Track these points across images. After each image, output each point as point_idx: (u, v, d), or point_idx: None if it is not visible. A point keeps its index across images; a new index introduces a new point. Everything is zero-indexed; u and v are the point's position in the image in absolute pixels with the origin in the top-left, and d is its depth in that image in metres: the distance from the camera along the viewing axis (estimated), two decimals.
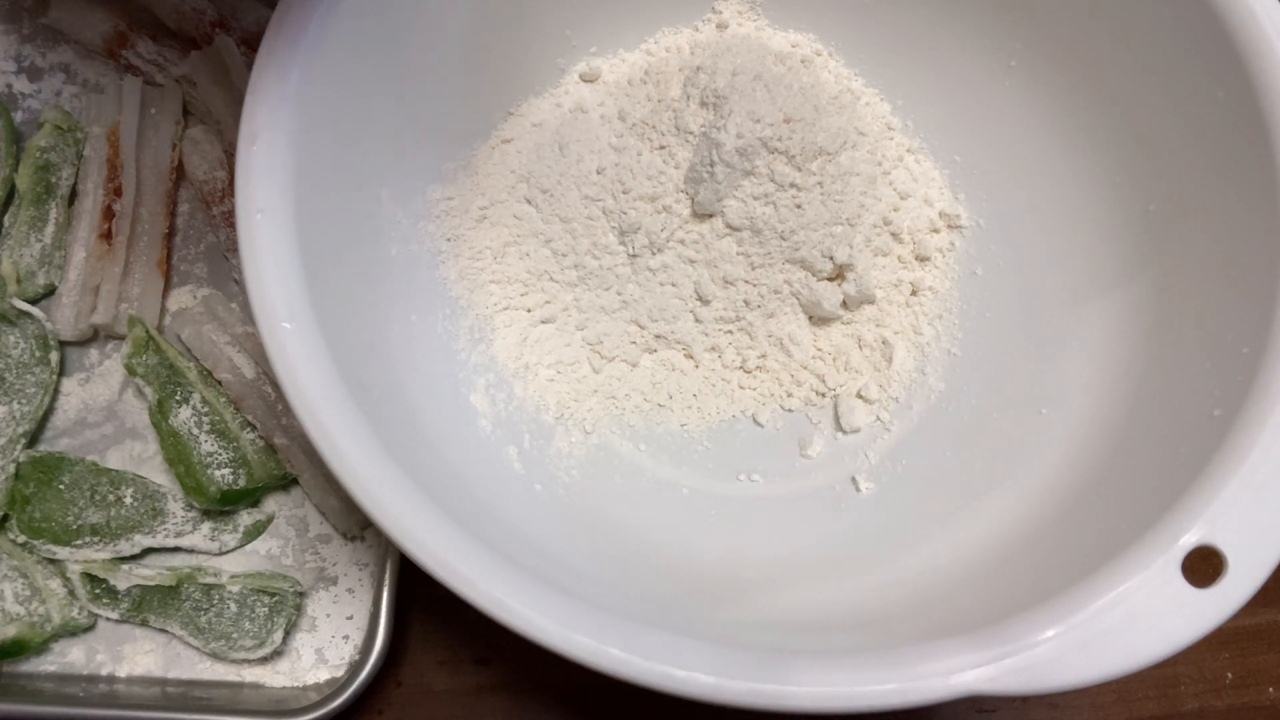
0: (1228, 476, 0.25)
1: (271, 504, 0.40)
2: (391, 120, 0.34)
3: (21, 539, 0.38)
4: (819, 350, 0.38)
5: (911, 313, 0.39)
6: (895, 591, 0.31)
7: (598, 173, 0.37)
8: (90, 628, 0.38)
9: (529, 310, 0.38)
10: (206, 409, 0.39)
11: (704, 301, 0.38)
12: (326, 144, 0.30)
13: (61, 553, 0.38)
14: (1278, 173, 0.29)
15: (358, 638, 0.38)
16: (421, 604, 0.39)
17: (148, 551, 0.39)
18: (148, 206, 0.42)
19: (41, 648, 0.38)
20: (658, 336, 0.38)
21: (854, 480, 0.37)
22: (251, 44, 0.43)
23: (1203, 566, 0.25)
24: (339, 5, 0.30)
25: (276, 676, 0.38)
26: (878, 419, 0.38)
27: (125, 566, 0.38)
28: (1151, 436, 0.30)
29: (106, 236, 0.41)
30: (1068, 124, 0.36)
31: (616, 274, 0.38)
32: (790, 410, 0.38)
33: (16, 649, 0.37)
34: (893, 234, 0.39)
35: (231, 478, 0.38)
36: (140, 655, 0.38)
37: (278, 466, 0.39)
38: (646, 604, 0.29)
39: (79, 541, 0.38)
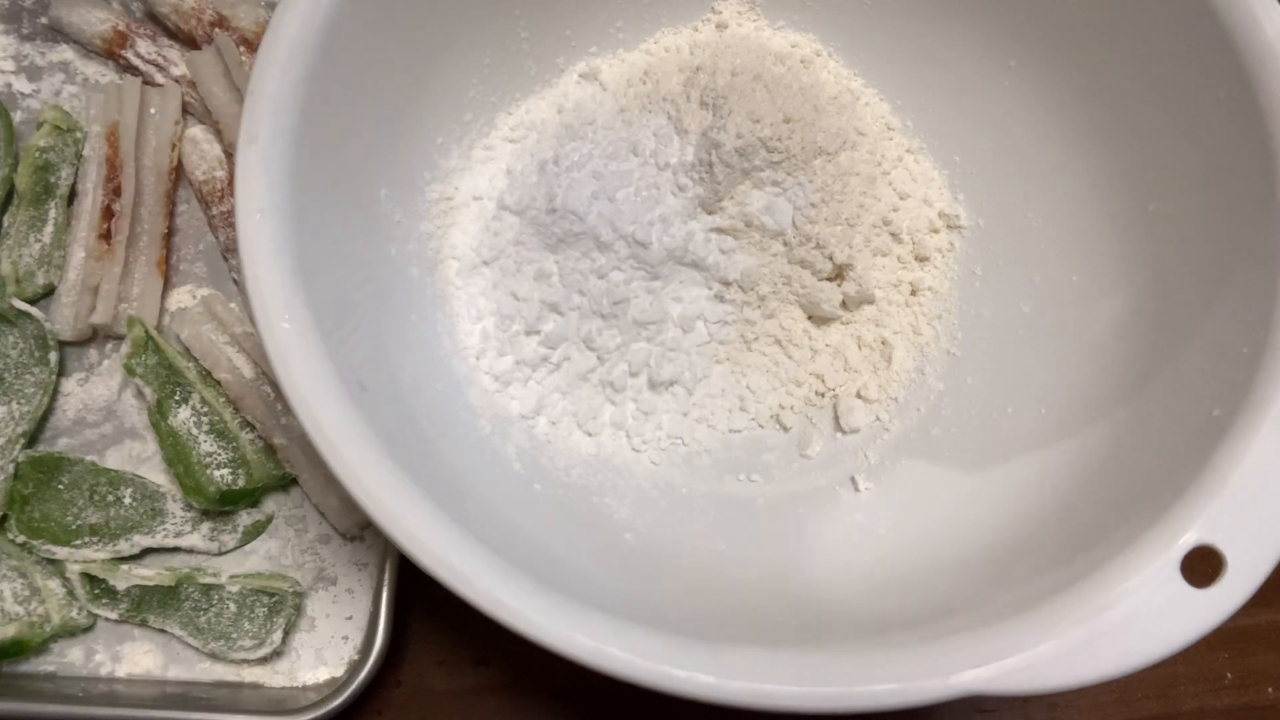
0: (1227, 476, 0.25)
1: (271, 504, 0.40)
2: (391, 120, 0.34)
3: (21, 539, 0.38)
4: (818, 350, 0.38)
5: (911, 313, 0.39)
6: (894, 591, 0.31)
7: (594, 176, 0.37)
8: (89, 628, 0.38)
9: (528, 309, 0.38)
10: (206, 409, 0.39)
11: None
12: (326, 144, 0.30)
13: (61, 553, 0.38)
14: (1278, 173, 0.29)
15: (357, 638, 0.38)
16: (421, 604, 0.39)
17: (147, 551, 0.39)
18: (147, 206, 0.42)
19: (41, 648, 0.38)
20: (656, 336, 0.38)
21: (853, 480, 0.37)
22: (251, 44, 0.43)
23: (1202, 566, 0.25)
24: (339, 5, 0.30)
25: (276, 676, 0.38)
26: (877, 419, 0.38)
27: (124, 566, 0.38)
28: (1151, 436, 0.30)
29: (106, 236, 0.41)
30: (1067, 124, 0.36)
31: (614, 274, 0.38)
32: (790, 410, 0.38)
33: (16, 649, 0.37)
34: (892, 234, 0.39)
35: (231, 478, 0.38)
36: (139, 655, 0.38)
37: (277, 466, 0.39)
38: (646, 604, 0.29)
39: (78, 541, 0.38)
